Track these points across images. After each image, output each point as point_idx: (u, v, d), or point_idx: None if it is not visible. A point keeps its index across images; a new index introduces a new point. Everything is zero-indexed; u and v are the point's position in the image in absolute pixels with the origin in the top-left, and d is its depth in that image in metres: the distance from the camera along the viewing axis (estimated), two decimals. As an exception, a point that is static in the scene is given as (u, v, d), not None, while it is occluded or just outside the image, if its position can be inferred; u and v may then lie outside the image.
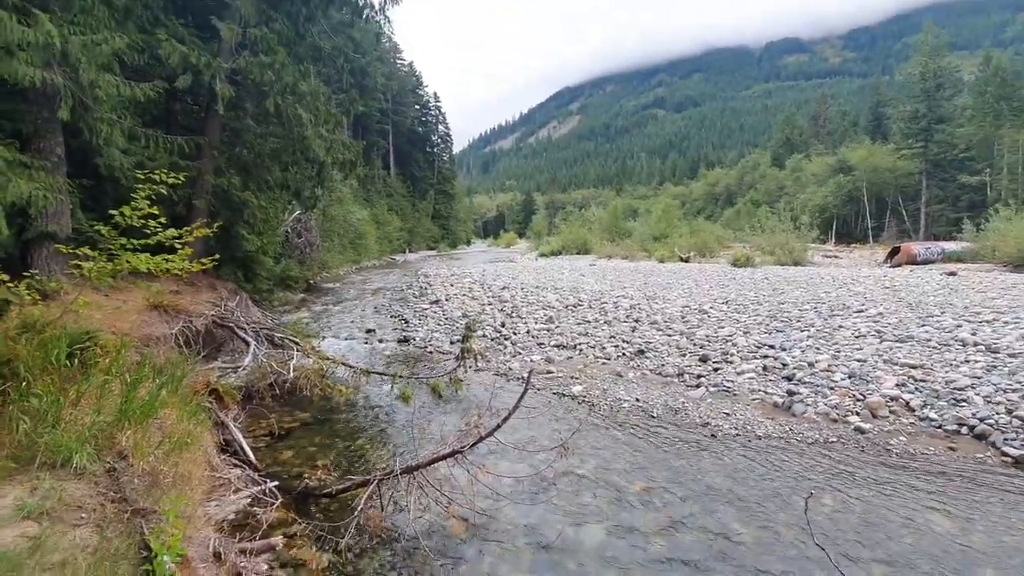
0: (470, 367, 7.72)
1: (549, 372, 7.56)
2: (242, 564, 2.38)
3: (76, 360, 3.65)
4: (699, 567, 3.34)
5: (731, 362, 7.24)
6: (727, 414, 5.68)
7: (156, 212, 3.98)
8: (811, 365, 6.75)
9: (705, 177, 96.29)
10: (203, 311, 6.93)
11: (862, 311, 9.71)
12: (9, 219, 5.60)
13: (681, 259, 27.10)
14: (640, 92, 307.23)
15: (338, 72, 11.42)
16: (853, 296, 11.69)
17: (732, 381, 6.56)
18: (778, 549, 3.49)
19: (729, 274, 18.22)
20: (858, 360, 6.77)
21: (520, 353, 8.71)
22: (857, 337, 7.87)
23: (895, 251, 23.82)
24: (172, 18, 8.88)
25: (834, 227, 47.29)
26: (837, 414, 5.47)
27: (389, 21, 10.97)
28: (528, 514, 3.95)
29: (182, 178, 4.37)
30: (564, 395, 6.69)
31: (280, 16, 9.57)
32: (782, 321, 9.21)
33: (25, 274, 4.51)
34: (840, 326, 8.60)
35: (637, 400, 6.25)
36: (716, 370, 7.02)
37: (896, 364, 6.53)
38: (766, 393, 6.17)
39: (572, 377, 7.32)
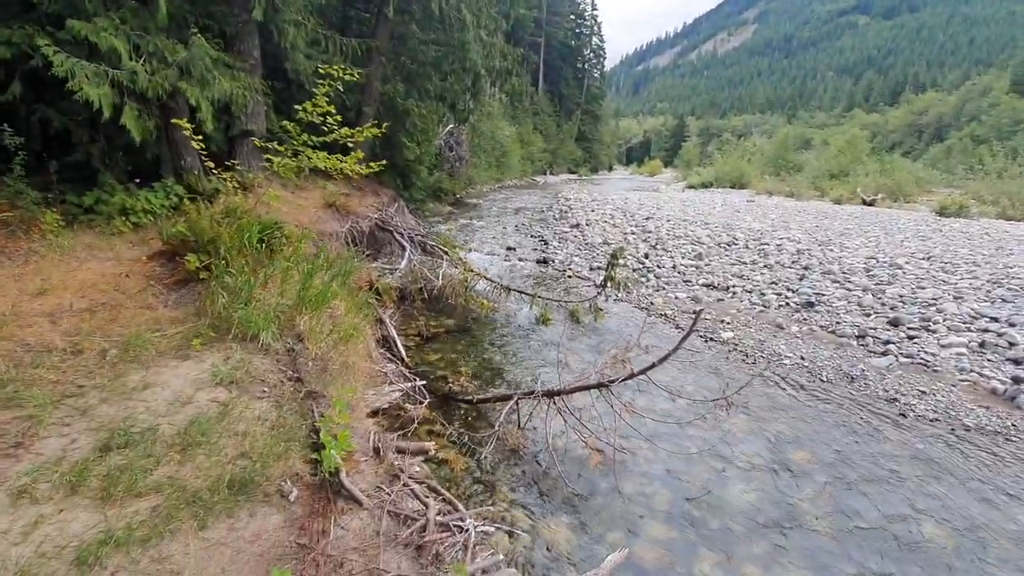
0: (610, 296, 7.44)
1: (695, 312, 6.96)
2: (399, 465, 2.49)
3: (265, 246, 4.05)
4: (869, 564, 2.85)
5: (933, 331, 5.95)
6: (923, 392, 4.71)
7: (332, 110, 4.13)
8: (1052, 350, 5.29)
9: (909, 104, 78.28)
10: (368, 214, 7.45)
11: None
12: (217, 118, 6.28)
13: (864, 202, 22.91)
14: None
15: (499, -28, 10.83)
16: (1125, 268, 8.85)
17: (933, 354, 5.41)
18: (987, 565, 2.83)
19: (933, 224, 14.97)
20: None
21: (664, 288, 8.15)
22: None
23: None
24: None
25: (1096, 177, 36.18)
26: (1089, 417, 4.23)
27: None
28: (670, 461, 3.70)
29: (357, 74, 4.46)
30: (712, 339, 6.13)
31: (447, -90, 9.13)
32: (1012, 289, 7.31)
33: (230, 164, 5.05)
34: (1103, 305, 6.57)
35: (802, 359, 5.48)
36: (911, 338, 5.83)
37: None
38: (981, 375, 4.99)
39: (722, 321, 6.66)
